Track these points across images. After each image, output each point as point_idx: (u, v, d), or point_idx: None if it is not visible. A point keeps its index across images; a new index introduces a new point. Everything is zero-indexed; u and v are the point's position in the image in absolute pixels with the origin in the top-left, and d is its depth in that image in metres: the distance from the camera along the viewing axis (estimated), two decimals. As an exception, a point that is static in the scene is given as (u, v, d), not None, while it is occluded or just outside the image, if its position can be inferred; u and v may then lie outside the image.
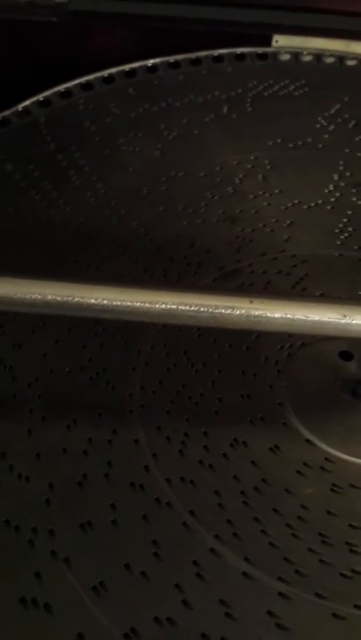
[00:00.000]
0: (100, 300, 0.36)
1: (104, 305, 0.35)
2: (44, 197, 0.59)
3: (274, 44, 0.71)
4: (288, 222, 0.56)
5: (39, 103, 0.68)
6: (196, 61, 0.72)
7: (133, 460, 0.40)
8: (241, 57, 0.73)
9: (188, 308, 0.35)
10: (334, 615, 0.32)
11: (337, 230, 0.55)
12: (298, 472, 0.38)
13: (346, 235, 0.55)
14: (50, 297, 0.35)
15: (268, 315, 0.35)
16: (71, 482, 0.39)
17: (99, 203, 0.58)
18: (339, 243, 0.54)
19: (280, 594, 0.33)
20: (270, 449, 0.40)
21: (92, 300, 0.35)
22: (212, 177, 0.61)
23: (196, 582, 0.34)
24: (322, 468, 0.39)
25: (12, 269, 0.51)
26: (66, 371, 0.45)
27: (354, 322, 0.36)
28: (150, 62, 0.72)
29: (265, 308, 0.35)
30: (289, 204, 0.58)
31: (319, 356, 0.45)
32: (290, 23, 0.69)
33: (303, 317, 0.35)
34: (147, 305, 0.35)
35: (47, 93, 0.69)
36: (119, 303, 0.36)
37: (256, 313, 0.35)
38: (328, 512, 0.36)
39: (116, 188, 0.59)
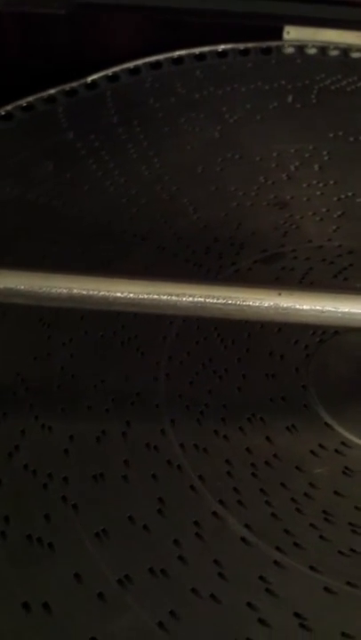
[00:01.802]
0: (126, 294, 0.35)
1: (130, 298, 0.35)
2: (101, 167, 0.60)
3: (285, 35, 0.71)
4: (339, 213, 0.56)
5: (107, 78, 0.70)
6: (267, 50, 0.73)
7: (152, 423, 0.41)
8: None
9: (215, 300, 0.35)
10: (326, 589, 0.32)
11: (388, 226, 0.55)
12: (311, 452, 0.39)
13: (396, 231, 0.55)
14: (75, 291, 0.35)
15: (297, 307, 0.35)
16: (90, 436, 0.40)
17: (152, 177, 0.59)
18: (388, 238, 0.54)
19: (275, 562, 0.33)
20: (287, 427, 0.40)
21: (118, 294, 0.35)
22: (268, 162, 0.61)
23: (194, 541, 0.34)
24: (336, 450, 0.39)
25: (64, 235, 0.54)
26: (99, 334, 0.46)
27: (388, 312, 0.36)
28: (221, 47, 0.72)
29: (294, 300, 0.35)
30: (342, 196, 0.58)
31: (350, 345, 0.45)
32: (302, 14, 0.69)
33: (333, 309, 0.35)
34: (174, 298, 0.35)
35: (116, 69, 0.70)
36: (145, 296, 0.35)
37: (285, 305, 0.35)
38: (336, 492, 0.37)
39: (171, 164, 0.60)
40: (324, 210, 0.56)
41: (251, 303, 0.35)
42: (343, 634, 0.30)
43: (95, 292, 0.35)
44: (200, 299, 0.35)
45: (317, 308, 0.35)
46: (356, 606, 0.32)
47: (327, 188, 0.58)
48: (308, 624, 0.31)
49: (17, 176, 0.59)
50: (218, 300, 0.35)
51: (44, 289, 0.35)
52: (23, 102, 0.67)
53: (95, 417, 0.41)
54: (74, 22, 0.68)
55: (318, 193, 0.58)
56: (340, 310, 0.35)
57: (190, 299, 0.35)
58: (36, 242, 0.53)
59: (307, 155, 0.62)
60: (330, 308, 0.35)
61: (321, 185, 0.59)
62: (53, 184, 0.59)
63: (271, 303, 0.35)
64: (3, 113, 0.65)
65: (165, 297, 0.35)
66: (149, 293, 0.35)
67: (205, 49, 0.72)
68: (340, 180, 0.59)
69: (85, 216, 0.56)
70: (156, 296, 0.35)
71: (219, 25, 0.71)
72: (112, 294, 0.35)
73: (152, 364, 0.44)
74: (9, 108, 0.66)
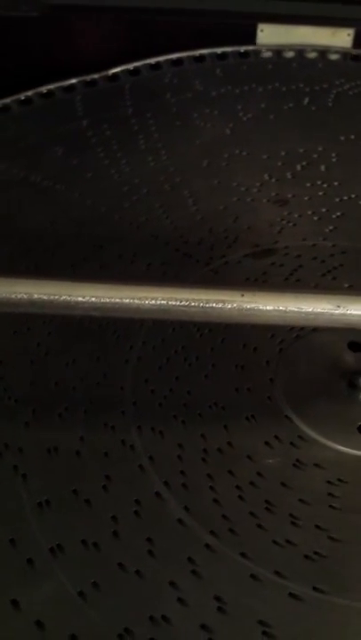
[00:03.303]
0: (87, 298, 0.35)
1: (92, 302, 0.35)
2: (109, 155, 0.61)
3: (259, 33, 0.70)
4: (338, 214, 0.56)
5: (129, 72, 0.71)
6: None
7: (114, 403, 0.41)
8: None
9: (178, 303, 0.35)
10: (252, 576, 0.32)
11: (387, 229, 0.54)
12: (266, 443, 0.38)
13: (395, 235, 0.54)
14: (35, 296, 0.34)
15: (261, 307, 0.35)
16: (52, 411, 0.40)
17: (157, 168, 0.60)
18: (385, 241, 0.53)
19: (207, 545, 0.33)
20: (246, 417, 0.40)
21: (80, 298, 0.35)
22: (275, 160, 0.61)
23: (131, 519, 0.34)
24: (292, 443, 0.38)
25: (61, 217, 0.55)
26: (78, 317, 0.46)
27: (348, 312, 0.35)
28: (243, 49, 0.72)
29: (257, 301, 0.35)
30: (345, 197, 0.57)
31: (327, 342, 0.45)
32: (276, 12, 0.68)
33: (296, 309, 0.35)
34: (136, 301, 0.35)
35: (138, 64, 0.71)
36: (108, 300, 0.35)
37: (248, 306, 0.35)
38: (282, 484, 0.36)
39: (178, 156, 0.61)
40: (323, 210, 0.56)
41: (214, 305, 0.35)
42: (260, 622, 0.30)
43: (56, 297, 0.35)
44: (162, 301, 0.35)
45: (280, 308, 0.35)
46: (279, 595, 0.31)
47: (330, 188, 0.58)
48: (227, 608, 0.31)
49: (26, 158, 0.60)
50: (180, 302, 0.35)
51: (4, 294, 0.35)
52: (44, 89, 0.68)
53: (60, 394, 0.42)
54: (46, 24, 0.68)
55: (321, 193, 0.58)
56: (303, 310, 0.35)
57: (153, 302, 0.35)
58: (34, 221, 0.54)
59: (315, 155, 0.61)
60: (293, 308, 0.35)
61: (325, 185, 0.58)
62: (60, 168, 0.60)
63: (234, 305, 0.35)
64: (22, 98, 0.67)
65: (128, 300, 0.35)
66: (111, 297, 0.35)
67: (228, 49, 0.72)
68: (344, 182, 0.58)
69: (85, 200, 0.56)
70: (118, 300, 0.35)
71: (194, 27, 0.71)
72: (74, 299, 0.35)
73: (125, 347, 0.44)
74: (29, 93, 0.67)
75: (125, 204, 0.56)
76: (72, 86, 0.68)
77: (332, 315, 0.35)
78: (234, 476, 0.36)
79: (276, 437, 0.39)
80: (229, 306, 0.35)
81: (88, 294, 0.35)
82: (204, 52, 0.72)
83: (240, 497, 0.35)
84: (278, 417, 0.40)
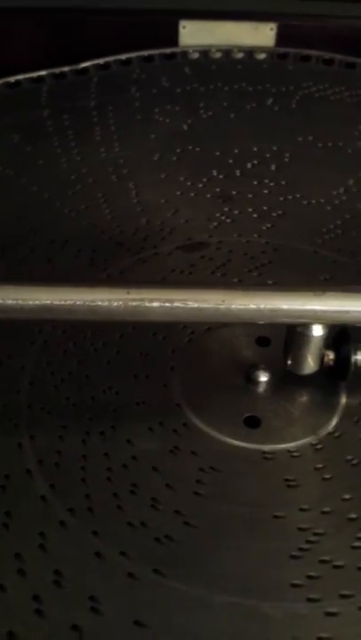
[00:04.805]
0: None
1: None
2: (62, 145, 0.62)
3: (181, 29, 0.70)
4: (279, 212, 0.55)
5: (99, 66, 0.71)
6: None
7: (11, 383, 0.41)
8: (306, 58, 0.72)
9: (63, 302, 0.35)
10: (97, 554, 0.32)
11: (325, 230, 0.54)
12: (149, 428, 0.38)
13: (332, 235, 0.53)
14: None
15: (147, 304, 0.35)
16: None
17: (108, 159, 0.60)
18: (320, 241, 0.53)
19: (61, 522, 0.33)
20: (137, 403, 0.40)
21: None
22: (226, 157, 0.61)
23: (-6, 491, 0.35)
24: (174, 430, 0.38)
25: (2, 200, 0.55)
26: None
27: (233, 306, 0.35)
28: (213, 49, 0.73)
29: (142, 298, 0.35)
30: (289, 197, 0.57)
31: (235, 336, 0.44)
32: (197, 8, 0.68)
33: (182, 305, 0.35)
34: (20, 302, 0.34)
35: (109, 59, 0.72)
36: None
37: (134, 303, 0.35)
38: (154, 468, 0.36)
39: (130, 149, 0.61)
40: (265, 208, 0.56)
41: (100, 303, 0.35)
42: (91, 597, 0.30)
43: None
44: (47, 302, 0.35)
45: (166, 304, 0.35)
46: (116, 574, 0.31)
47: (276, 187, 0.58)
48: (63, 582, 0.31)
49: (-20, 144, 0.61)
50: (65, 302, 0.35)
51: None
52: (12, 79, 0.69)
53: None
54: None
55: (265, 191, 0.57)
56: (189, 305, 0.35)
57: (37, 302, 0.35)
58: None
59: (268, 154, 0.61)
60: (179, 304, 0.35)
61: (272, 184, 0.58)
62: (12, 154, 0.60)
63: (120, 303, 0.35)
64: (-11, 87, 0.68)
65: (10, 301, 0.34)
66: None
67: (198, 48, 0.73)
68: (291, 182, 0.58)
69: (30, 186, 0.57)
70: (0, 300, 0.35)
71: (120, 29, 0.71)
72: None
73: (35, 330, 0.45)
74: (-4, 83, 0.68)
75: (69, 192, 0.57)
76: (40, 77, 0.69)
77: (217, 309, 0.35)
78: (108, 458, 0.37)
79: (161, 424, 0.39)
80: (115, 304, 0.35)
81: None
82: (177, 49, 0.72)
83: (108, 478, 0.36)
84: (169, 404, 0.40)
